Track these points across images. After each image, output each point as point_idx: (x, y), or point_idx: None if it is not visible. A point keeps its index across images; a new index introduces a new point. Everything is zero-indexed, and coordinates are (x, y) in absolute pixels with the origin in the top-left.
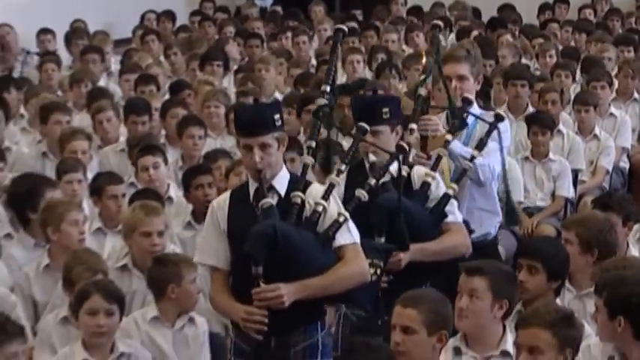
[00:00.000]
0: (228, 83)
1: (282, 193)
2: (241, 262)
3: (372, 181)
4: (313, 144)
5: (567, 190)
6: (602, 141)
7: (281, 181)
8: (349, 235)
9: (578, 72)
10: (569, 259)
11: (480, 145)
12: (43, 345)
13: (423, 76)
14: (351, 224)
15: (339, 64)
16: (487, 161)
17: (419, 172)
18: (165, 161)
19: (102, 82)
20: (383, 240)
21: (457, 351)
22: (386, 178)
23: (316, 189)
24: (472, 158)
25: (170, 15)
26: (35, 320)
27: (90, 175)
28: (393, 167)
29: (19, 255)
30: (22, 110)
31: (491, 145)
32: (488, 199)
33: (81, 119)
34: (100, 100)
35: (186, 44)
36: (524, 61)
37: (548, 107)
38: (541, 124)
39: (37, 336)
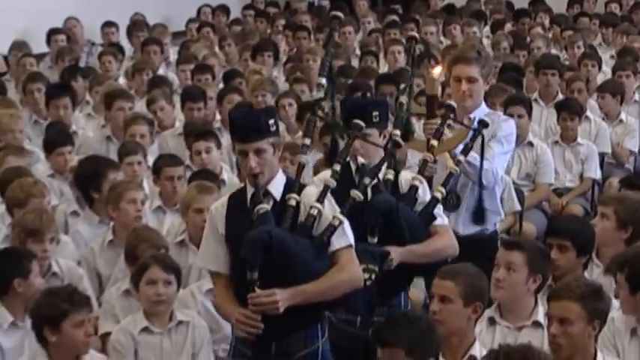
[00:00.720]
0: (278, 72)
1: (278, 197)
2: (239, 267)
3: (367, 181)
4: (307, 141)
5: (594, 172)
6: (628, 125)
7: (277, 186)
8: (345, 239)
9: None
10: (595, 236)
11: (465, 150)
12: (107, 315)
13: (403, 85)
14: (347, 226)
15: (382, 55)
16: (491, 166)
17: (406, 176)
18: (219, 145)
19: (161, 71)
20: (376, 240)
21: (492, 321)
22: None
23: (311, 191)
24: (458, 162)
25: (224, 9)
26: (100, 292)
27: (152, 158)
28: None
29: (84, 231)
30: (87, 97)
31: (497, 148)
32: (491, 199)
33: (142, 105)
34: (153, 92)
35: (239, 36)
36: (553, 51)
37: (575, 95)
38: (569, 110)
39: (102, 307)
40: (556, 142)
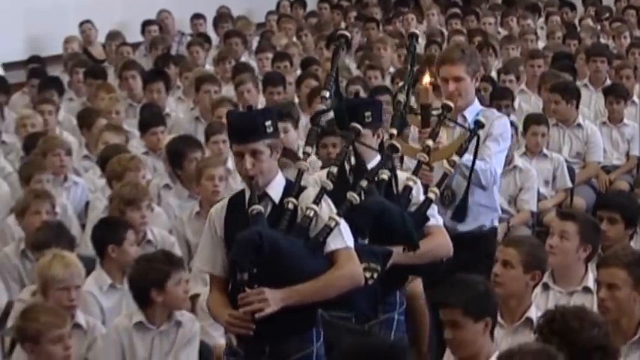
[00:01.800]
0: (349, 60)
1: (277, 199)
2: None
3: (364, 183)
4: (309, 149)
5: (639, 151)
6: None
7: (276, 188)
8: (341, 240)
9: None
10: None
11: (461, 152)
12: (197, 278)
13: (401, 83)
14: (344, 228)
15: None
16: (489, 166)
17: (400, 176)
18: (295, 126)
19: (243, 59)
20: (366, 241)
21: (545, 286)
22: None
23: (309, 193)
24: (453, 164)
25: (301, 2)
26: (189, 258)
27: None
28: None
29: (174, 204)
30: (178, 82)
31: (494, 147)
32: (488, 196)
33: (227, 90)
34: (242, 74)
35: (315, 27)
36: (602, 41)
37: (623, 81)
38: (616, 94)
39: (192, 271)
40: (604, 123)
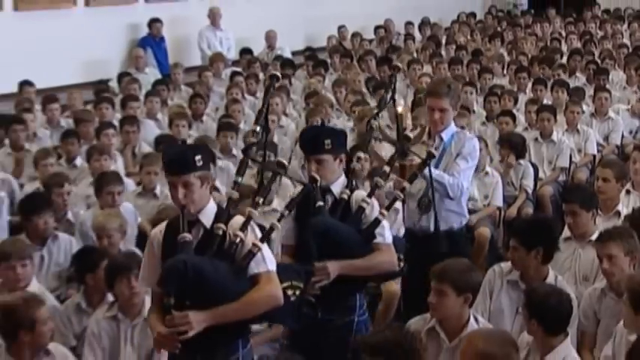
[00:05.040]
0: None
1: (208, 225)
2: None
3: (320, 203)
4: (240, 179)
5: None
6: None
7: (207, 215)
8: (263, 264)
9: None
10: None
11: (411, 179)
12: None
13: (376, 110)
14: (266, 253)
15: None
16: (457, 181)
17: (357, 197)
18: None
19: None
20: (316, 256)
21: (627, 192)
22: (330, 200)
23: (237, 221)
24: (403, 189)
25: (473, 14)
26: None
27: None
28: (336, 191)
29: None
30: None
31: (462, 165)
32: (457, 204)
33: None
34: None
35: (482, 30)
36: None
37: None
38: None
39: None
40: None
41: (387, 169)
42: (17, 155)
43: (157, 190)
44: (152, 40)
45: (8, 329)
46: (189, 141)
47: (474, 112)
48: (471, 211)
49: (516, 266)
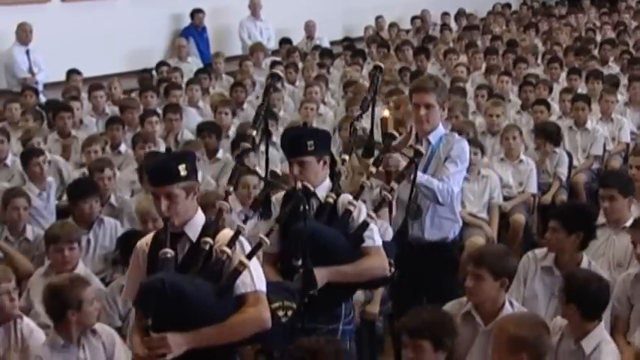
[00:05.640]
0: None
1: (194, 238)
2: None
3: (301, 208)
4: (231, 189)
5: None
6: None
7: (194, 228)
8: (251, 284)
9: None
10: None
11: (398, 179)
12: None
13: (359, 112)
14: (255, 272)
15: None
16: (446, 186)
17: (343, 200)
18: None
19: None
20: (300, 263)
21: None
22: (314, 204)
23: (224, 235)
24: (391, 189)
25: (508, 5)
26: None
27: None
28: (321, 195)
29: None
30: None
31: (452, 168)
32: (450, 210)
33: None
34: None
35: (517, 21)
36: None
37: None
38: None
39: None
40: None
41: (372, 169)
42: (64, 142)
43: (199, 177)
44: (194, 30)
45: (56, 309)
46: (232, 129)
47: (509, 101)
48: (505, 198)
49: (552, 248)
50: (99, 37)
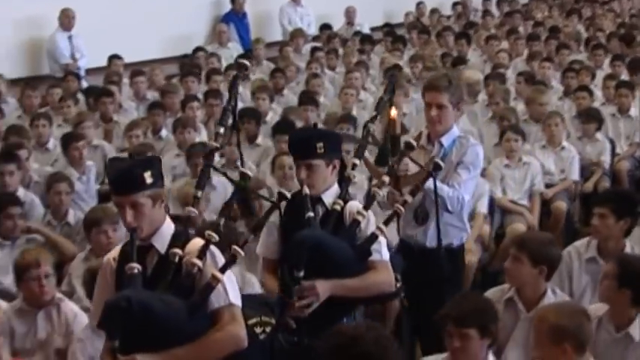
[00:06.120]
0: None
1: (163, 250)
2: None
3: (310, 214)
4: (199, 193)
5: None
6: None
7: (162, 238)
8: (224, 297)
9: None
10: None
11: (414, 191)
12: None
13: (374, 113)
14: (229, 285)
15: None
16: (457, 193)
17: (351, 208)
18: None
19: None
20: (302, 274)
21: None
22: (320, 211)
23: (195, 245)
24: (403, 202)
25: None
26: None
27: None
28: (328, 201)
29: None
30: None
31: (464, 175)
32: (458, 218)
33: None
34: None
35: (560, 6)
36: None
37: None
38: None
39: None
40: None
41: (385, 179)
42: (106, 127)
43: (239, 162)
44: (235, 16)
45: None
46: (270, 115)
47: (551, 87)
48: (547, 185)
49: (599, 235)
50: (140, 22)
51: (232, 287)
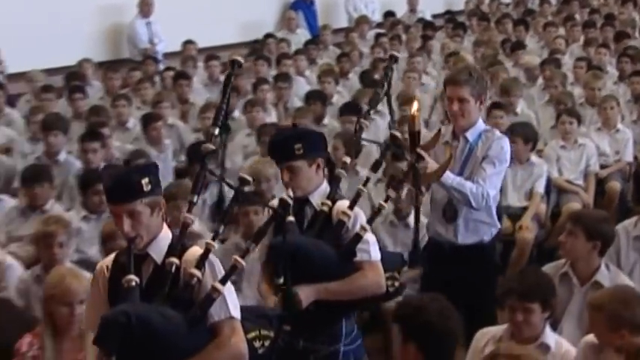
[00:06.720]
0: None
1: (160, 260)
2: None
3: (290, 219)
4: (195, 198)
5: None
6: None
7: (158, 248)
8: (225, 310)
9: None
10: None
11: (427, 185)
12: None
13: (368, 107)
14: (229, 296)
15: None
16: (481, 190)
17: (339, 208)
18: None
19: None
20: (281, 281)
21: None
22: (309, 212)
23: (192, 254)
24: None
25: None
26: None
27: None
28: (316, 202)
29: None
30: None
31: (489, 170)
32: (487, 214)
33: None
34: None
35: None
36: None
37: None
38: None
39: None
40: None
41: (422, 153)
42: (182, 107)
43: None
44: (303, 3)
45: None
46: (336, 97)
47: (607, 72)
48: (602, 166)
49: None
50: (213, 9)
51: (232, 299)
